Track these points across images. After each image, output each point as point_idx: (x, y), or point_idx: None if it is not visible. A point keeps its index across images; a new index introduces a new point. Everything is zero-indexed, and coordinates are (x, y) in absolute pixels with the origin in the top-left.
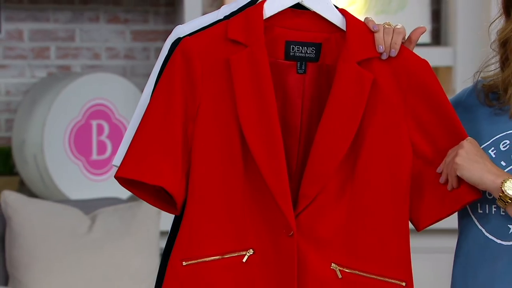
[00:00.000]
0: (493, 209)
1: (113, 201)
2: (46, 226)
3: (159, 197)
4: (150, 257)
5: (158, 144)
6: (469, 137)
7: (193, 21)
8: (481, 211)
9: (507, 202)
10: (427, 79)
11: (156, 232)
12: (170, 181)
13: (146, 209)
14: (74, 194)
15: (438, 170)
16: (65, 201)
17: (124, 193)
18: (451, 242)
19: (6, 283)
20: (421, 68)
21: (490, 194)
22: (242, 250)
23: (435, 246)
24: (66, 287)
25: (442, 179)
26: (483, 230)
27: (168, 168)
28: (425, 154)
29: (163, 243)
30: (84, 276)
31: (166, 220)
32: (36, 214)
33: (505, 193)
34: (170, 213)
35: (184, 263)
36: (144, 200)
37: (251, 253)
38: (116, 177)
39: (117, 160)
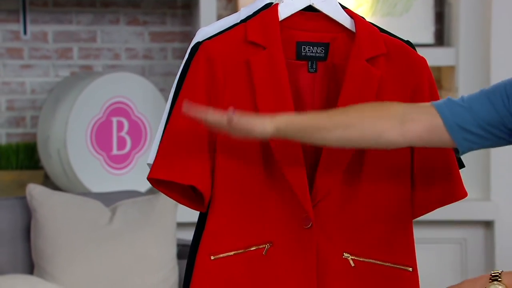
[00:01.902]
0: None
1: (132, 194)
2: (69, 217)
3: (185, 195)
4: (167, 247)
5: (186, 145)
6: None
7: (217, 22)
8: None
9: None
10: (428, 76)
11: (173, 223)
12: (200, 180)
13: (164, 201)
14: (95, 187)
15: None
16: (87, 193)
17: (143, 186)
18: (453, 233)
19: (31, 272)
20: (421, 65)
21: None
22: (262, 243)
23: (439, 237)
24: (87, 275)
25: None
26: None
27: (197, 167)
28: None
29: (180, 234)
30: (105, 265)
31: (183, 212)
32: (59, 206)
33: None
34: (197, 210)
35: (212, 257)
36: (173, 199)
37: (270, 246)
38: (148, 178)
39: (151, 159)
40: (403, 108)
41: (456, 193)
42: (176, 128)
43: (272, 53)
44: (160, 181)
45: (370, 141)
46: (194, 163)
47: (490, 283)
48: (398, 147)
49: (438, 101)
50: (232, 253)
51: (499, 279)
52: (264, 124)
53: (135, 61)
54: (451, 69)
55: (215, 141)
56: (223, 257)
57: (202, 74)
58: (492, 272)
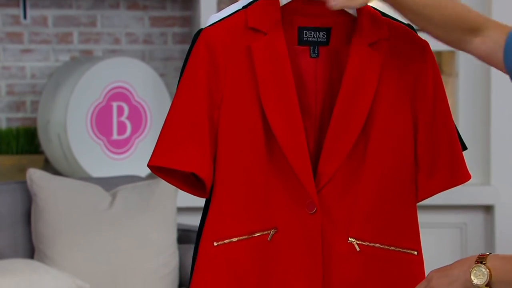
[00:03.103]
0: None
1: (133, 179)
2: (69, 202)
3: (187, 182)
4: (168, 232)
5: (187, 132)
6: (431, 272)
7: (226, 9)
8: None
9: (485, 286)
10: (430, 59)
11: (173, 208)
12: (200, 167)
13: (164, 186)
14: (96, 172)
15: None
16: (87, 178)
17: (143, 171)
18: (454, 218)
19: (32, 256)
20: (424, 49)
21: None
22: (266, 229)
23: (439, 222)
24: (88, 259)
25: None
26: None
27: (197, 154)
28: (419, 129)
29: (180, 219)
30: (105, 249)
31: (183, 197)
32: (60, 191)
33: (478, 284)
34: (199, 196)
35: (215, 244)
36: (175, 186)
37: (274, 232)
38: (149, 165)
39: None
40: (481, 23)
41: (460, 176)
42: (177, 115)
43: (273, 39)
44: (161, 168)
45: (453, 45)
46: (195, 150)
47: (475, 265)
48: (466, 52)
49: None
50: (235, 239)
51: (484, 261)
52: None
53: (135, 45)
54: (452, 54)
55: (217, 128)
56: (227, 243)
57: (203, 61)
58: (480, 254)
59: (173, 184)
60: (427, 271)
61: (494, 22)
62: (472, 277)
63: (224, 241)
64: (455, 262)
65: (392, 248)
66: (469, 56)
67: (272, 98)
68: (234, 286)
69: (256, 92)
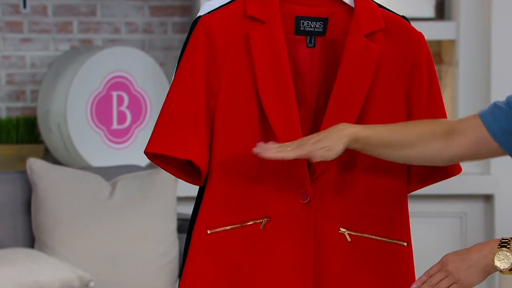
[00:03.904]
0: None
1: (133, 168)
2: (69, 191)
3: (183, 169)
4: (168, 221)
5: (184, 120)
6: (446, 255)
7: None
8: None
9: (510, 271)
10: (425, 50)
11: (173, 197)
12: (196, 155)
13: (164, 176)
14: (96, 161)
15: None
16: (87, 168)
17: (143, 161)
18: (453, 207)
19: (32, 246)
20: (419, 41)
21: None
22: (259, 218)
23: (439, 211)
24: (88, 249)
25: None
26: None
27: (194, 142)
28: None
29: (180, 208)
30: (105, 239)
31: (183, 186)
32: (60, 180)
33: (500, 268)
34: (194, 184)
35: (208, 231)
36: (170, 173)
37: (267, 221)
38: (145, 152)
39: None
40: (450, 124)
41: (451, 168)
42: (174, 102)
43: (271, 28)
44: (157, 155)
45: (429, 161)
46: (191, 137)
47: (498, 249)
48: (455, 162)
49: (483, 110)
50: (228, 227)
51: (508, 245)
52: (340, 141)
53: (135, 35)
54: (452, 43)
55: (214, 117)
56: (220, 231)
57: (201, 49)
58: (502, 238)
59: (168, 171)
60: (425, 261)
61: (460, 118)
62: (496, 261)
63: (218, 229)
64: (473, 246)
65: (383, 239)
66: (469, 45)
67: (269, 87)
68: (226, 274)
69: (253, 80)
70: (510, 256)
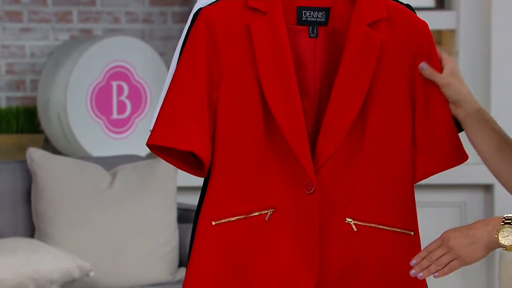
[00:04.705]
0: None
1: (133, 158)
2: (69, 181)
3: (186, 161)
4: (167, 211)
5: (186, 111)
6: (446, 232)
7: None
8: None
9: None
10: (429, 39)
11: (173, 187)
12: (199, 146)
13: (164, 166)
14: (96, 151)
15: (414, 262)
16: (87, 158)
17: (143, 151)
18: (453, 197)
19: (32, 235)
20: (423, 29)
21: None
22: (264, 209)
23: (438, 201)
24: (88, 238)
25: (424, 275)
26: None
27: (196, 133)
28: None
29: (180, 198)
30: (105, 228)
31: (183, 176)
32: (60, 170)
33: (505, 245)
34: (197, 176)
35: (213, 223)
36: (173, 165)
37: (272, 212)
38: (148, 144)
39: (153, 125)
40: None
41: (458, 156)
42: (176, 94)
43: (272, 19)
44: (160, 147)
45: None
46: (193, 129)
47: (502, 226)
48: None
49: None
50: (233, 218)
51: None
52: None
53: (135, 25)
54: (452, 32)
55: (216, 108)
56: (225, 222)
57: (202, 40)
58: (506, 216)
59: (171, 163)
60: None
61: None
62: (500, 238)
63: (222, 221)
64: (475, 222)
65: (389, 228)
66: (469, 34)
67: (271, 77)
68: (231, 265)
69: (255, 71)
70: None
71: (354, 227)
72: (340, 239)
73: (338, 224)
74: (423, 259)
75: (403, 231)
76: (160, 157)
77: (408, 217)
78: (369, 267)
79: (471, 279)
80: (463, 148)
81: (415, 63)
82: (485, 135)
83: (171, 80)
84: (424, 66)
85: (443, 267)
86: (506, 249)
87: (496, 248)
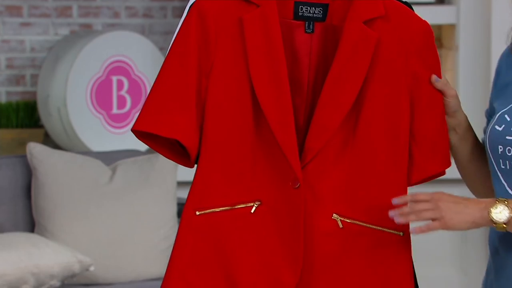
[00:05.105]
0: None
1: (133, 153)
2: (69, 176)
3: (173, 150)
4: (167, 206)
5: (173, 99)
6: (440, 193)
7: None
8: (503, 167)
9: (503, 226)
10: (428, 40)
11: (173, 182)
12: (184, 134)
13: (164, 160)
14: (96, 146)
15: (391, 214)
16: (87, 152)
17: (143, 146)
18: (452, 192)
19: (32, 230)
20: (422, 29)
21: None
22: (250, 202)
23: None
24: (88, 233)
25: (401, 219)
26: (505, 185)
27: (182, 121)
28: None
29: (180, 193)
30: (105, 223)
31: (183, 171)
32: (60, 165)
33: (496, 221)
34: (185, 166)
35: (197, 213)
36: (159, 153)
37: (258, 204)
38: (132, 130)
39: None
40: None
41: (448, 161)
42: (164, 82)
43: (265, 11)
44: (145, 134)
45: None
46: (180, 117)
47: (497, 203)
48: None
49: None
50: (218, 209)
51: (506, 202)
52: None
53: (135, 19)
54: (452, 27)
55: (205, 98)
56: (209, 212)
57: (193, 30)
58: (500, 198)
59: (158, 151)
60: (422, 246)
61: None
62: (492, 214)
63: (207, 211)
64: (470, 198)
65: (377, 227)
66: (469, 29)
67: (261, 71)
68: (214, 256)
69: (246, 64)
70: (507, 211)
71: (340, 223)
72: (325, 235)
73: (325, 220)
74: (406, 203)
75: (391, 231)
76: (146, 144)
77: None
78: (354, 264)
79: (471, 275)
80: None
81: (413, 62)
82: (468, 139)
83: (160, 68)
84: (435, 78)
85: (422, 227)
86: (496, 226)
87: (483, 225)
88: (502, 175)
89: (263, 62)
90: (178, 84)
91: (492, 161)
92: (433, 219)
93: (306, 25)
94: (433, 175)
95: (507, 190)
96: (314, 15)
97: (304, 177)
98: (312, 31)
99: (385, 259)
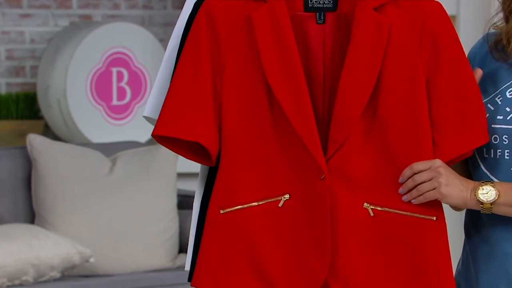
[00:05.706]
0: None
1: (133, 145)
2: (69, 167)
3: (193, 150)
4: (168, 198)
5: (190, 102)
6: (438, 160)
7: None
8: (487, 156)
9: (490, 206)
10: (441, 19)
11: (173, 174)
12: (204, 136)
13: (164, 152)
14: (96, 137)
15: (402, 191)
16: (87, 144)
17: (143, 137)
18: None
19: (32, 221)
20: (434, 10)
21: (495, 139)
22: (278, 196)
23: None
24: (88, 225)
25: (408, 198)
26: (488, 173)
27: (201, 123)
28: (434, 90)
29: (179, 185)
30: (105, 214)
31: (183, 162)
32: (60, 156)
33: (483, 201)
34: (206, 165)
35: (221, 211)
36: (180, 155)
37: (287, 198)
38: (153, 135)
39: (147, 111)
40: None
41: (478, 137)
42: (180, 85)
43: (273, 7)
44: (165, 138)
45: None
46: (198, 119)
47: (483, 184)
48: None
49: None
50: (245, 206)
51: (492, 184)
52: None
53: (135, 11)
54: (452, 18)
55: (221, 97)
56: (234, 210)
57: (203, 32)
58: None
59: (179, 153)
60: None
61: None
62: (479, 194)
63: (232, 208)
64: (464, 178)
65: (409, 213)
66: (469, 21)
67: (275, 66)
68: (242, 253)
69: (258, 60)
70: (494, 191)
71: (371, 212)
72: (355, 224)
73: (355, 210)
74: (408, 178)
75: (424, 216)
76: (167, 148)
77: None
78: (386, 254)
79: None
80: (485, 129)
81: (428, 45)
82: None
83: (174, 72)
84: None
85: (420, 195)
86: (482, 207)
87: (470, 206)
88: (484, 165)
89: (276, 57)
90: (193, 87)
91: (474, 151)
92: (432, 189)
93: (317, 16)
94: (457, 156)
95: (491, 179)
96: (325, 5)
97: (330, 168)
98: (324, 22)
99: (420, 246)
